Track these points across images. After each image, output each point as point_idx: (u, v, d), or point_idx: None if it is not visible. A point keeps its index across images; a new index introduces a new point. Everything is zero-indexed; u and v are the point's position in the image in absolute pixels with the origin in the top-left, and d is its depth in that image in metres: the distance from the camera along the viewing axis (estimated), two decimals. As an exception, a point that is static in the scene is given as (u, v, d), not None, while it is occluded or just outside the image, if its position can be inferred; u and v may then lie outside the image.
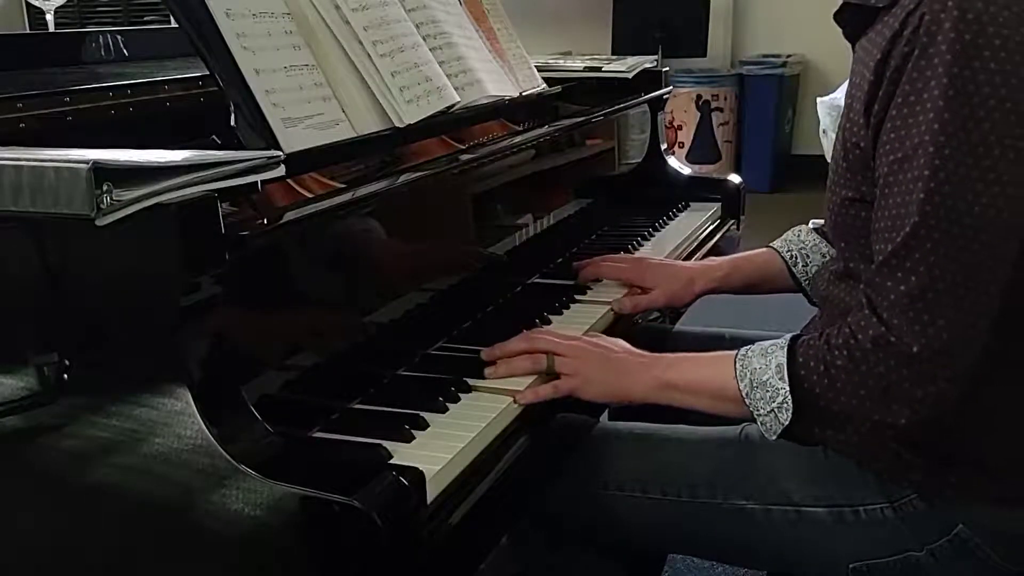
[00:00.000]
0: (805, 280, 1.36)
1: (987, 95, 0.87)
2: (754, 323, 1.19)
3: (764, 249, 1.39)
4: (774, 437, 0.99)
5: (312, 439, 0.92)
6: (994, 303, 0.91)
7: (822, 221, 1.34)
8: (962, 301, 0.89)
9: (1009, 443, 0.99)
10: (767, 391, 0.97)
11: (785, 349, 0.98)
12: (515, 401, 1.02)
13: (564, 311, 1.28)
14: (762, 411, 0.98)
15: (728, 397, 1.01)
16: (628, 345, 1.13)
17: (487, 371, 1.07)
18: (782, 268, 1.37)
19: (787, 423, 0.97)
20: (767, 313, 2.15)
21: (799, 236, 1.37)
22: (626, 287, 1.37)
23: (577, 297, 1.34)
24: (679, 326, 1.54)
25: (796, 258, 1.35)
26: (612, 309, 1.31)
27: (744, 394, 0.99)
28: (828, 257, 1.33)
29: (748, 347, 1.02)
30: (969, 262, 0.89)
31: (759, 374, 0.98)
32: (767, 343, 1.01)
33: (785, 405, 0.96)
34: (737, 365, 1.00)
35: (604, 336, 1.16)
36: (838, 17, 1.06)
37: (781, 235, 1.40)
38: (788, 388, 0.96)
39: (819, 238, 1.36)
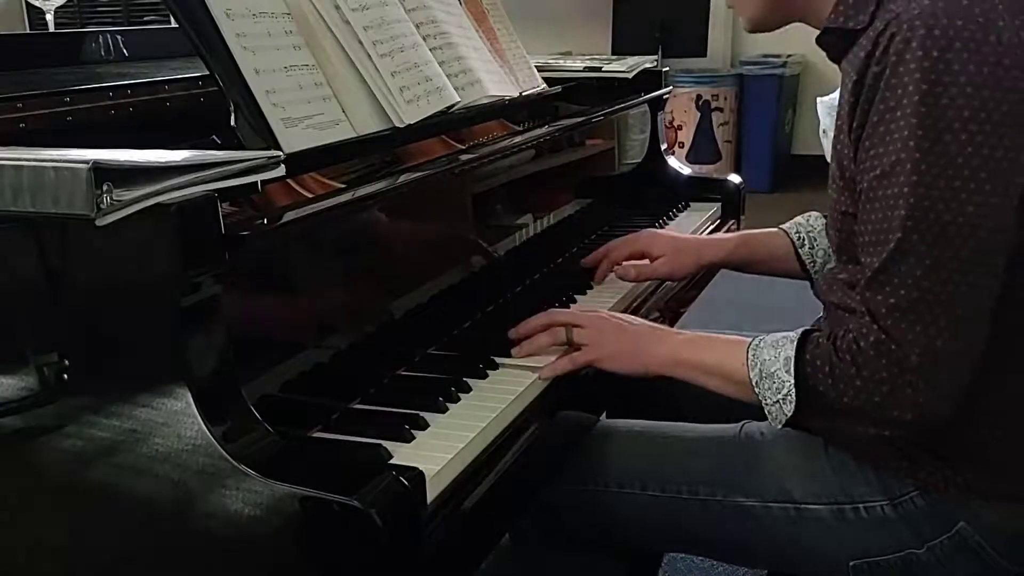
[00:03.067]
0: (810, 262, 1.36)
1: (960, 107, 0.88)
2: (756, 326, 1.19)
3: (774, 229, 1.40)
4: (779, 426, 1.00)
5: (312, 439, 0.92)
6: (987, 307, 0.92)
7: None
8: (954, 308, 0.90)
9: (1013, 441, 0.99)
10: (774, 382, 0.99)
11: (795, 344, 0.99)
12: (539, 377, 1.06)
13: (564, 311, 1.28)
14: (769, 400, 1.00)
15: (737, 382, 1.03)
16: (645, 320, 1.17)
17: (513, 350, 1.11)
18: (789, 249, 1.37)
19: (791, 414, 0.98)
20: (769, 316, 2.15)
21: (808, 220, 1.39)
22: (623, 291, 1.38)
23: (577, 297, 1.34)
24: (679, 327, 1.53)
25: (804, 240, 1.36)
26: (616, 275, 1.37)
27: (754, 383, 1.01)
28: None
29: (761, 337, 1.03)
30: (956, 271, 0.90)
31: (768, 365, 0.99)
32: (779, 335, 1.02)
33: (789, 398, 0.98)
34: (749, 354, 1.02)
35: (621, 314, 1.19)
36: (820, 41, 1.07)
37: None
38: (793, 382, 0.97)
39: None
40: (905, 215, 0.90)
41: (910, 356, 0.91)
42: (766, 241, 1.40)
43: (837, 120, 1.03)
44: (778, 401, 0.99)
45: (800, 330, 1.01)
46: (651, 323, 1.16)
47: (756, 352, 1.01)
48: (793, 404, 0.97)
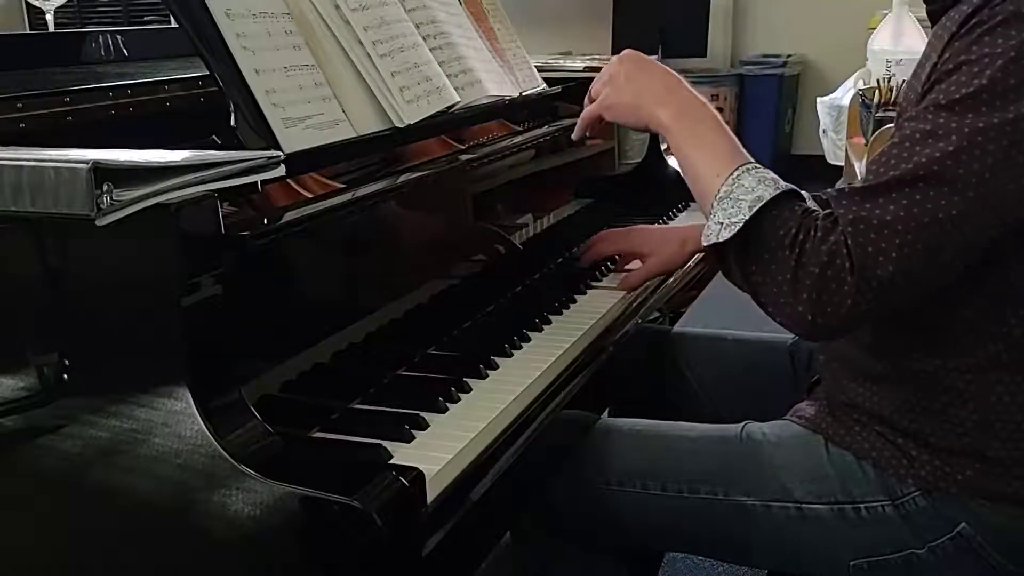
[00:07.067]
0: None
1: None
2: (754, 324, 1.19)
3: None
4: (705, 244, 0.99)
5: (312, 439, 0.92)
6: (946, 267, 0.91)
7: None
8: (914, 247, 0.88)
9: (1014, 441, 0.99)
10: (733, 207, 0.96)
11: (777, 192, 0.96)
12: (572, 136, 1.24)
13: (564, 311, 1.28)
14: (716, 219, 0.97)
15: (702, 185, 1.02)
16: (670, 72, 1.15)
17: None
18: None
19: (722, 241, 0.96)
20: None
21: None
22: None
23: (577, 297, 1.34)
24: (679, 327, 1.54)
25: None
26: (618, 288, 1.35)
27: (717, 196, 0.98)
28: None
29: (757, 167, 1.00)
30: (939, 222, 0.88)
31: (740, 191, 0.97)
32: (772, 176, 0.99)
33: (732, 229, 0.95)
34: (734, 172, 0.99)
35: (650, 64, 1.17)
36: None
37: None
38: (747, 219, 0.95)
39: (815, 205, 1.35)
40: (940, 147, 0.88)
41: (849, 271, 0.89)
42: None
43: (911, 80, 1.02)
44: (722, 223, 0.96)
45: (791, 186, 0.99)
46: (673, 79, 1.13)
47: (741, 175, 0.98)
48: (731, 236, 0.95)
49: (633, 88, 1.12)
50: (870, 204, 0.90)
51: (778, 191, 0.96)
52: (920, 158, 0.89)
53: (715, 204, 0.98)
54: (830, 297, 0.90)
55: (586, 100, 1.20)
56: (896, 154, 0.91)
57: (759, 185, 0.97)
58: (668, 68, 1.15)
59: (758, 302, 0.98)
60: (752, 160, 1.02)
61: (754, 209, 0.94)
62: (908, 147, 0.91)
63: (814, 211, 0.96)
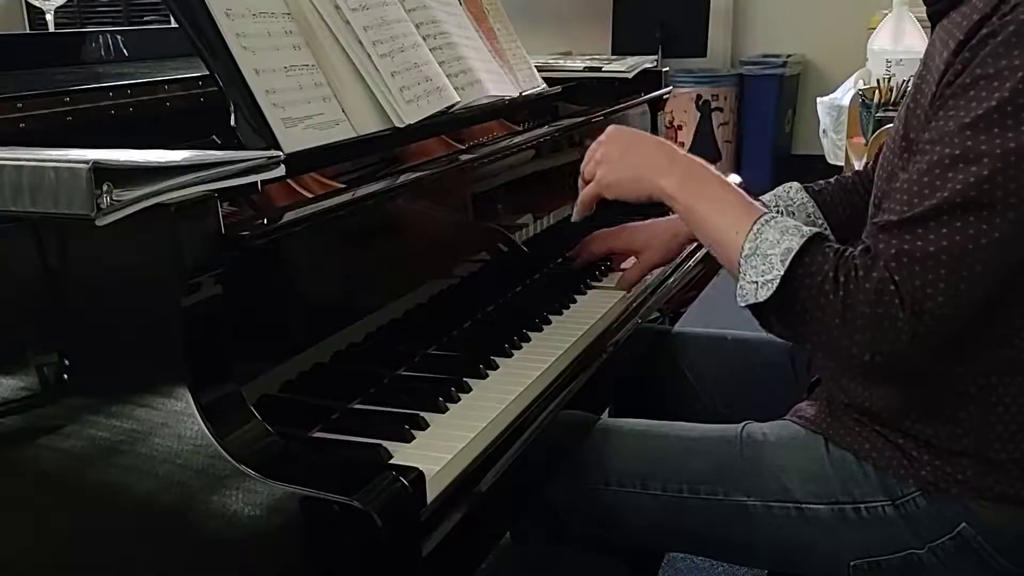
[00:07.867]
0: None
1: None
2: (755, 324, 1.19)
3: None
4: (742, 304, 0.98)
5: (312, 439, 0.92)
6: (989, 289, 0.91)
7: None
8: (961, 275, 0.88)
9: (1014, 442, 0.99)
10: (764, 264, 0.95)
11: (803, 240, 0.95)
12: (573, 217, 1.22)
13: (564, 311, 1.28)
14: (748, 278, 0.96)
15: (725, 246, 1.01)
16: (664, 142, 1.14)
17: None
18: None
19: (761, 301, 0.95)
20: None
21: (788, 192, 1.34)
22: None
23: (577, 297, 1.34)
24: (679, 327, 1.54)
25: (782, 212, 1.32)
26: (618, 288, 1.35)
27: (743, 254, 0.98)
28: (812, 217, 1.31)
29: (774, 217, 0.99)
30: (983, 247, 0.88)
31: (766, 246, 0.96)
32: (793, 223, 0.98)
33: (770, 285, 0.94)
34: (754, 227, 0.98)
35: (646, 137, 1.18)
36: None
37: None
38: (782, 274, 0.93)
39: (807, 197, 1.33)
40: (974, 171, 0.87)
41: (901, 306, 0.88)
42: None
43: (916, 81, 1.01)
44: (756, 282, 0.95)
45: (814, 230, 0.97)
46: (667, 147, 1.13)
47: (762, 228, 0.98)
48: (770, 293, 0.94)
49: (630, 164, 1.12)
50: (911, 236, 0.89)
51: (804, 238, 0.95)
52: (955, 184, 0.88)
53: (742, 263, 0.97)
54: (884, 334, 0.90)
55: (580, 182, 1.19)
56: (928, 182, 0.90)
57: (784, 236, 0.96)
58: (657, 137, 1.14)
59: (807, 350, 0.97)
60: (766, 210, 1.02)
61: (787, 262, 0.93)
62: (939, 174, 0.90)
63: (846, 249, 0.95)
